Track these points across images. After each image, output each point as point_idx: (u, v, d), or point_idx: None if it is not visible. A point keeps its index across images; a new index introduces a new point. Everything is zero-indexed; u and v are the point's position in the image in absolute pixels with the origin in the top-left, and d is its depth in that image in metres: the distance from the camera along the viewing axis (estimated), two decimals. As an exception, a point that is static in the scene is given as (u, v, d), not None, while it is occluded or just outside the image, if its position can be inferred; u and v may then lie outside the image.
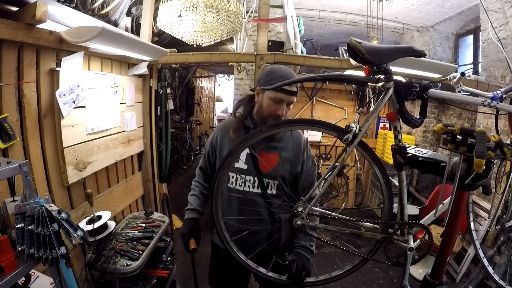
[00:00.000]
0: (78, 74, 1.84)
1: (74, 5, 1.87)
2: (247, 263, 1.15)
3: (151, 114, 2.89)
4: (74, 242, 1.17)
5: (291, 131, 1.21)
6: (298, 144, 1.35)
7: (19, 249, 1.06)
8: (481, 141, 0.84)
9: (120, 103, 2.35)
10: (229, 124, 1.39)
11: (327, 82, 4.41)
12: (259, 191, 1.30)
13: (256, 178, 1.30)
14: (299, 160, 1.34)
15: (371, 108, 1.09)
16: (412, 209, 3.07)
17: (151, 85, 2.86)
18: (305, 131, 4.07)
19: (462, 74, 1.17)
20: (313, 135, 4.38)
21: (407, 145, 1.06)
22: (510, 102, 1.49)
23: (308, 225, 1.09)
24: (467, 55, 4.17)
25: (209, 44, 2.07)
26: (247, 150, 1.28)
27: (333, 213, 1.12)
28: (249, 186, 1.31)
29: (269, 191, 1.30)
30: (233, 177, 1.33)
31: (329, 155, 4.35)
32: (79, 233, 1.14)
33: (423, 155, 1.05)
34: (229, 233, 1.16)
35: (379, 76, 0.98)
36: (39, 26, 1.49)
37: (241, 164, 1.31)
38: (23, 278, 1.21)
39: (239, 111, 1.41)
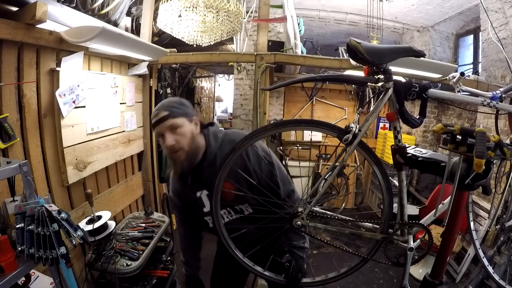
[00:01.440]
0: (78, 74, 1.84)
1: (74, 5, 1.87)
2: (244, 261, 1.15)
3: (151, 114, 2.89)
4: (74, 242, 1.17)
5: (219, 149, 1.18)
6: (242, 159, 1.19)
7: (19, 249, 1.06)
8: (481, 141, 0.84)
9: (120, 103, 2.35)
10: (172, 179, 1.37)
11: (327, 82, 4.41)
12: (238, 216, 1.28)
13: (227, 209, 1.27)
14: (249, 174, 1.19)
15: (371, 108, 1.09)
16: (412, 209, 3.06)
17: (151, 85, 2.86)
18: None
19: (462, 74, 1.18)
20: (314, 135, 4.38)
21: (407, 145, 1.06)
22: (510, 102, 1.49)
23: (308, 225, 1.09)
24: (467, 55, 4.17)
25: (209, 44, 2.07)
26: (206, 192, 1.24)
27: (333, 213, 1.12)
28: (227, 218, 1.29)
29: (247, 212, 1.27)
30: (210, 219, 1.28)
31: (329, 155, 4.35)
32: (79, 233, 1.14)
33: (423, 155, 1.05)
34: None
35: (378, 76, 0.98)
36: (39, 26, 1.49)
37: (208, 207, 1.26)
38: (23, 278, 1.21)
39: None
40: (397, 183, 1.07)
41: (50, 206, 1.10)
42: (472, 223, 1.60)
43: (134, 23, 2.87)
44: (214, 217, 1.12)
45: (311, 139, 4.39)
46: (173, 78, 4.89)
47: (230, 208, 1.27)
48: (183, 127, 1.14)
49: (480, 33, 3.42)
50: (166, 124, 1.13)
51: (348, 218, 1.11)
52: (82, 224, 1.72)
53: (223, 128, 1.35)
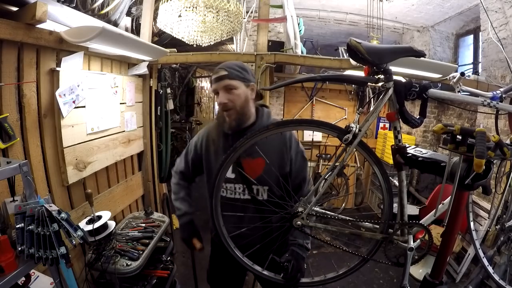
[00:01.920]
0: (78, 74, 1.84)
1: (74, 5, 1.87)
2: (243, 260, 1.15)
3: (151, 114, 2.89)
4: (74, 242, 1.17)
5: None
6: (283, 143, 1.28)
7: (19, 249, 1.06)
8: (481, 141, 0.84)
9: (120, 103, 2.35)
10: (211, 129, 1.37)
11: (327, 82, 4.41)
12: (249, 197, 1.29)
13: (244, 186, 1.28)
14: (285, 160, 1.28)
15: (371, 108, 1.09)
16: (412, 209, 3.06)
17: (151, 85, 2.86)
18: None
19: (462, 74, 1.18)
20: (314, 135, 4.38)
21: (407, 145, 1.06)
22: (510, 102, 1.49)
23: (308, 225, 1.09)
24: (467, 55, 4.17)
25: (209, 44, 2.07)
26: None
27: (333, 213, 1.12)
28: (239, 194, 1.30)
29: (259, 197, 1.28)
30: (222, 186, 1.29)
31: (329, 155, 4.35)
32: (79, 233, 1.14)
33: (423, 155, 1.05)
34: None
35: (378, 76, 0.98)
36: (39, 26, 1.49)
37: (228, 173, 1.26)
38: (23, 278, 1.21)
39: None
40: (397, 183, 1.07)
41: (50, 206, 1.10)
42: (472, 223, 1.60)
43: (134, 23, 2.87)
44: (214, 215, 1.12)
45: (312, 139, 4.39)
46: (173, 78, 4.89)
47: (247, 185, 1.27)
48: (238, 89, 1.20)
49: (480, 33, 3.42)
50: (223, 83, 1.19)
51: (348, 218, 1.11)
52: (82, 224, 1.72)
53: None
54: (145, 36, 2.62)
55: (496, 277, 1.46)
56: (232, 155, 1.05)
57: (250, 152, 1.20)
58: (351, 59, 2.29)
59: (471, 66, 3.89)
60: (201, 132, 1.43)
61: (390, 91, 0.97)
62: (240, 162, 1.25)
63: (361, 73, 1.07)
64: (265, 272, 1.17)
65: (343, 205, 4.47)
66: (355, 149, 1.01)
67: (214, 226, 1.14)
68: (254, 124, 1.27)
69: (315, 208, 1.10)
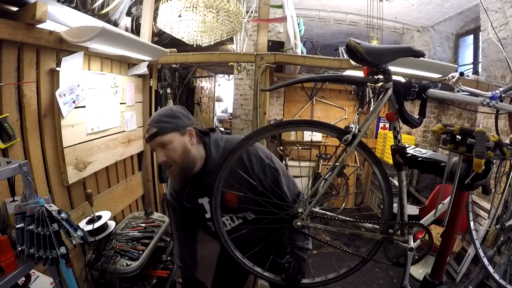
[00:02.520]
0: (78, 74, 1.84)
1: (74, 5, 1.87)
2: (244, 262, 1.15)
3: (151, 114, 2.89)
4: (74, 242, 1.17)
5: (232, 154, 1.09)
6: (244, 167, 1.18)
7: (19, 249, 1.07)
8: (481, 141, 0.84)
9: (120, 103, 2.35)
10: (171, 186, 1.37)
11: (327, 82, 4.41)
12: (240, 221, 1.29)
13: (230, 215, 1.27)
14: (253, 182, 1.17)
15: (371, 108, 1.09)
16: (412, 209, 3.06)
17: (151, 85, 2.86)
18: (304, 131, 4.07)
19: (461, 74, 1.18)
20: (314, 135, 4.38)
21: (407, 145, 1.06)
22: (510, 101, 1.49)
23: (308, 226, 1.09)
24: (467, 55, 4.17)
25: (209, 44, 2.07)
26: (207, 199, 1.22)
27: (333, 214, 1.12)
28: (230, 224, 1.29)
29: (249, 218, 1.27)
30: (212, 224, 1.23)
31: (329, 155, 4.35)
32: (79, 233, 1.14)
33: (423, 155, 1.05)
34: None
35: (378, 76, 0.98)
36: (39, 26, 1.49)
37: (207, 214, 1.26)
38: (23, 278, 1.21)
39: None
40: (397, 183, 1.07)
41: (50, 206, 1.10)
42: (472, 223, 1.60)
43: (134, 23, 2.87)
44: (215, 221, 1.12)
45: (311, 139, 4.39)
46: (173, 78, 4.89)
47: (233, 214, 1.27)
48: (173, 142, 1.13)
49: (480, 33, 3.41)
50: (156, 142, 1.13)
51: (348, 218, 1.11)
52: (82, 224, 1.72)
53: (223, 135, 1.31)
54: (145, 36, 2.62)
55: (497, 277, 1.46)
56: (232, 156, 1.04)
57: (223, 187, 1.13)
58: (350, 60, 2.29)
59: (471, 66, 3.89)
60: (167, 192, 1.43)
61: (390, 91, 0.97)
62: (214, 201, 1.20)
63: (360, 74, 1.07)
64: (266, 274, 1.17)
65: (343, 205, 4.47)
66: (354, 149, 1.01)
67: (215, 229, 1.14)
68: (206, 163, 1.21)
69: (315, 209, 1.10)
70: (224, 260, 1.48)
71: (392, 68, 0.98)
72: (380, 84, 0.98)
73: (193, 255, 1.48)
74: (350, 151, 1.00)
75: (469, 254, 2.72)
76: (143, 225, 2.25)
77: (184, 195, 1.27)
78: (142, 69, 2.56)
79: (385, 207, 1.07)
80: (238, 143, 1.03)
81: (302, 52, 3.11)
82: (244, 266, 1.15)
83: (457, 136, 0.92)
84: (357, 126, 0.98)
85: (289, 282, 1.15)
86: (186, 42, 2.03)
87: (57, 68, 1.70)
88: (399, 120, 0.99)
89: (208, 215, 1.25)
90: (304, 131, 4.33)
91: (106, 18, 2.30)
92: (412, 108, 4.23)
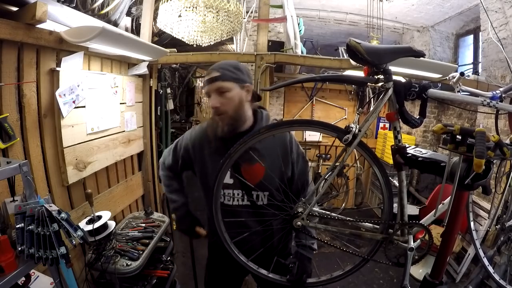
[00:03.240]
0: (78, 74, 1.84)
1: (74, 5, 1.87)
2: (248, 265, 1.15)
3: (151, 114, 2.89)
4: (74, 242, 1.17)
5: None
6: (284, 146, 1.23)
7: (19, 249, 1.06)
8: (481, 141, 0.84)
9: (120, 103, 2.35)
10: (205, 132, 1.28)
11: (327, 82, 4.41)
12: (248, 203, 1.25)
13: (243, 192, 1.24)
14: (287, 164, 1.23)
15: (371, 108, 1.09)
16: (412, 209, 3.06)
17: (151, 85, 2.86)
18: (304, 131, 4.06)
19: (461, 74, 1.18)
20: (313, 135, 4.38)
21: (407, 145, 1.06)
22: (510, 101, 1.49)
23: (308, 226, 1.09)
24: (467, 55, 4.17)
25: (209, 44, 2.07)
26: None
27: (333, 214, 1.12)
28: (237, 200, 1.25)
29: (259, 202, 1.24)
30: (223, 193, 1.24)
31: (329, 155, 4.35)
32: (79, 233, 1.14)
33: (423, 155, 1.05)
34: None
35: (378, 76, 0.98)
36: (39, 26, 1.49)
37: (226, 179, 1.19)
38: (23, 278, 1.21)
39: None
40: (397, 183, 1.07)
41: (50, 206, 1.10)
42: (472, 223, 1.60)
43: (134, 23, 2.87)
44: (215, 221, 1.11)
45: (317, 139, 4.38)
46: (173, 78, 4.89)
47: (246, 191, 1.23)
48: (231, 91, 1.12)
49: (480, 33, 3.41)
50: (215, 86, 1.12)
51: (348, 218, 1.11)
52: (82, 224, 1.72)
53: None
54: (145, 36, 2.62)
55: (497, 277, 1.46)
56: (227, 162, 1.04)
57: (249, 157, 1.14)
58: (350, 60, 2.29)
59: (471, 66, 3.89)
60: (193, 132, 1.35)
61: (390, 91, 0.97)
62: (238, 167, 1.20)
63: (361, 73, 1.07)
64: (271, 275, 1.17)
65: (343, 205, 4.47)
66: (354, 149, 1.01)
67: (216, 232, 1.13)
68: (252, 128, 1.21)
69: (315, 209, 1.10)
70: (219, 263, 1.45)
71: (392, 68, 0.98)
72: (380, 84, 0.98)
73: (183, 192, 1.43)
74: (350, 151, 1.00)
75: (469, 254, 2.72)
76: (143, 225, 2.25)
77: (212, 148, 1.23)
78: (142, 69, 2.56)
79: (385, 207, 1.07)
80: (238, 143, 1.03)
81: (302, 52, 3.11)
82: (249, 269, 1.15)
83: (457, 136, 0.92)
84: (357, 126, 0.98)
85: (295, 283, 1.14)
86: (186, 42, 2.03)
87: (57, 68, 1.70)
88: (399, 120, 0.99)
89: (225, 180, 1.18)
90: (304, 131, 4.34)
91: (106, 18, 2.30)
92: (412, 108, 4.23)
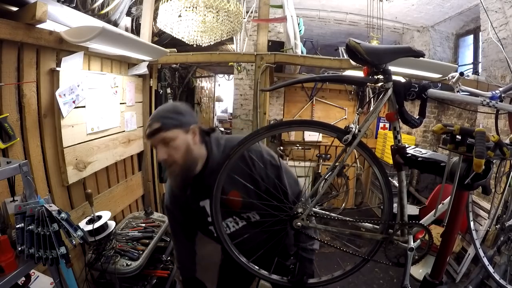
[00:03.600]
0: (78, 74, 1.84)
1: (74, 5, 1.87)
2: (249, 266, 1.15)
3: (151, 114, 2.87)
4: (74, 242, 1.17)
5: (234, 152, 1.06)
6: (245, 165, 1.15)
7: (19, 249, 1.07)
8: (481, 141, 0.84)
9: (120, 103, 2.35)
10: (171, 187, 1.31)
11: (327, 82, 4.41)
12: (244, 223, 1.26)
13: (234, 218, 1.25)
14: (256, 181, 1.15)
15: (371, 109, 1.09)
16: (412, 209, 3.06)
17: (151, 85, 2.86)
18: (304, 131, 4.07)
19: (461, 74, 1.18)
20: (313, 135, 4.38)
21: (407, 145, 1.06)
22: (510, 101, 1.49)
23: (308, 226, 1.09)
24: (467, 55, 4.17)
25: (209, 44, 2.07)
26: (208, 202, 1.16)
27: (333, 214, 1.12)
28: (234, 226, 1.26)
29: (254, 219, 1.25)
30: (213, 230, 1.20)
31: (329, 155, 4.35)
32: (79, 233, 1.14)
33: (423, 155, 1.05)
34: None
35: (378, 76, 0.98)
36: (39, 26, 1.49)
37: (209, 218, 1.19)
38: (23, 278, 1.21)
39: None
40: (397, 183, 1.07)
41: (50, 206, 1.11)
42: (472, 223, 1.60)
43: (134, 23, 2.87)
44: (216, 226, 1.12)
45: (305, 139, 4.39)
46: (173, 78, 4.89)
47: (237, 216, 1.24)
48: (176, 139, 1.07)
49: (480, 33, 3.41)
50: (158, 138, 1.06)
51: (348, 218, 1.11)
52: (82, 224, 1.72)
53: (223, 134, 1.31)
54: (145, 36, 2.62)
55: (497, 277, 1.46)
56: (227, 162, 1.03)
57: (224, 188, 1.11)
58: (350, 60, 2.29)
59: (471, 66, 3.89)
60: (165, 195, 1.38)
61: (390, 91, 0.97)
62: (220, 200, 1.17)
63: (360, 74, 1.07)
64: (273, 276, 1.17)
65: (343, 205, 4.47)
66: (354, 149, 1.01)
67: (217, 233, 1.14)
68: (208, 161, 1.17)
69: (315, 209, 1.10)
70: (227, 267, 1.46)
71: (392, 68, 0.98)
72: (380, 84, 0.98)
73: (192, 257, 1.46)
74: (350, 151, 1.00)
75: (469, 254, 2.72)
76: (143, 225, 2.25)
77: (188, 198, 1.23)
78: (142, 69, 2.56)
79: (385, 207, 1.07)
80: (237, 144, 1.03)
81: (302, 52, 3.11)
82: (250, 270, 1.15)
83: (457, 136, 0.92)
84: (357, 126, 0.98)
85: (296, 284, 1.14)
86: (186, 42, 2.03)
87: (57, 68, 1.70)
88: (399, 120, 0.99)
89: (210, 219, 1.17)
90: (304, 131, 4.34)
91: (106, 18, 2.30)
92: (412, 108, 4.23)
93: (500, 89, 1.15)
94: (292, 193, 1.18)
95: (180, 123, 1.09)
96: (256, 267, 1.16)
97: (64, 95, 1.72)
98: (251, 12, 3.56)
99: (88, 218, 1.78)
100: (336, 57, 2.86)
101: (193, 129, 1.12)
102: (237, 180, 1.12)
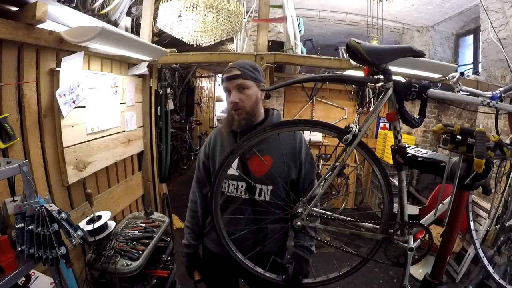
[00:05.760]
0: (78, 74, 1.84)
1: (74, 5, 1.87)
2: (245, 263, 1.15)
3: (151, 114, 2.90)
4: (74, 242, 1.17)
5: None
6: (293, 145, 1.27)
7: (19, 249, 1.06)
8: (481, 141, 0.84)
9: (120, 103, 2.35)
10: (221, 129, 1.35)
11: (327, 82, 4.41)
12: (248, 197, 1.26)
13: (245, 183, 1.25)
14: (295, 162, 1.27)
15: (371, 108, 1.09)
16: (412, 209, 3.07)
17: (151, 85, 2.86)
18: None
19: (461, 74, 1.18)
20: (314, 135, 4.38)
21: (407, 145, 1.06)
22: (510, 101, 1.49)
23: (308, 226, 1.09)
24: (467, 55, 4.17)
25: (209, 44, 2.07)
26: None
27: (333, 214, 1.12)
28: (241, 192, 1.26)
29: (261, 198, 1.25)
30: (225, 182, 1.27)
31: (329, 155, 4.35)
32: (79, 233, 1.14)
33: (423, 155, 1.05)
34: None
35: (378, 76, 0.98)
36: (39, 26, 1.49)
37: (233, 170, 1.22)
38: (23, 278, 1.22)
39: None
40: (397, 183, 1.07)
41: (50, 206, 1.10)
42: (472, 223, 1.60)
43: (134, 23, 2.87)
44: (215, 219, 1.12)
45: (310, 139, 4.39)
46: (173, 78, 4.89)
47: (248, 184, 1.24)
48: (250, 89, 1.21)
49: (480, 33, 3.42)
50: (235, 82, 1.19)
51: (348, 218, 1.11)
52: (82, 224, 1.72)
53: None
54: (145, 36, 2.62)
55: (496, 277, 1.46)
56: (230, 158, 1.04)
57: (259, 149, 1.20)
58: (350, 60, 2.29)
59: (471, 66, 3.89)
60: (211, 133, 1.42)
61: (390, 91, 0.97)
62: (245, 160, 1.24)
63: (361, 73, 1.07)
64: (267, 274, 1.17)
65: (343, 205, 4.47)
66: (354, 149, 1.01)
67: (215, 228, 1.14)
68: (262, 123, 1.28)
69: (315, 209, 1.10)
70: (213, 264, 1.45)
71: (392, 68, 0.98)
72: (380, 84, 0.98)
73: (202, 220, 1.43)
74: (350, 151, 1.00)
75: (469, 254, 2.72)
76: (143, 225, 2.25)
77: (230, 143, 1.28)
78: (142, 69, 2.56)
79: (385, 207, 1.07)
80: (236, 144, 1.03)
81: (302, 52, 3.11)
82: (245, 266, 1.15)
83: (458, 136, 0.92)
84: (357, 126, 0.98)
85: (290, 283, 1.15)
86: (186, 42, 2.03)
87: (57, 68, 1.70)
88: (399, 120, 0.99)
89: (233, 172, 1.21)
90: (304, 131, 4.33)
91: (106, 18, 2.30)
92: (412, 108, 4.23)
93: (500, 89, 1.16)
94: (310, 193, 1.17)
95: (256, 77, 1.23)
96: (251, 264, 1.16)
97: (64, 95, 1.72)
98: (251, 12, 3.56)
99: (88, 218, 1.78)
100: (336, 57, 2.87)
101: (263, 86, 1.25)
102: (279, 149, 1.20)
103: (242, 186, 1.26)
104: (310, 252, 1.28)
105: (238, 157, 1.20)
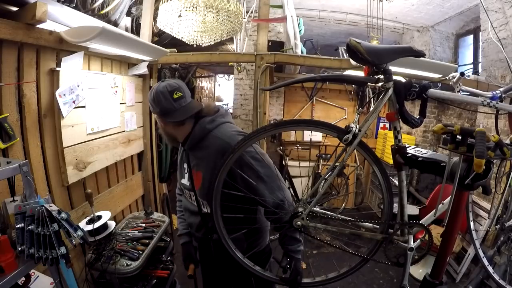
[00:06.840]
0: (78, 74, 1.84)
1: (74, 5, 1.87)
2: (244, 262, 1.15)
3: (151, 114, 2.89)
4: (74, 242, 1.17)
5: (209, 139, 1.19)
6: (221, 157, 1.06)
7: (19, 249, 1.06)
8: (481, 141, 0.84)
9: (120, 103, 2.35)
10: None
11: (327, 82, 4.41)
12: (196, 208, 1.30)
13: (194, 195, 1.29)
14: (230, 175, 1.08)
15: (371, 108, 1.09)
16: (412, 209, 3.06)
17: (151, 85, 2.86)
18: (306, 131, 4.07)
19: (462, 74, 1.18)
20: (314, 135, 4.38)
21: (407, 145, 1.06)
22: (510, 102, 1.49)
23: (308, 226, 1.09)
24: (467, 55, 4.17)
25: (209, 44, 2.07)
26: (186, 165, 1.33)
27: (333, 214, 1.12)
28: (192, 201, 1.33)
29: (204, 210, 1.27)
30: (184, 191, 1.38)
31: (329, 155, 4.35)
32: (79, 233, 1.14)
33: (423, 155, 1.05)
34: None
35: (378, 76, 0.98)
36: (39, 26, 1.49)
37: (185, 180, 1.33)
38: (23, 278, 1.22)
39: None
40: (397, 183, 1.07)
41: (50, 206, 1.10)
42: (472, 223, 1.60)
43: (134, 23, 2.87)
44: (215, 219, 1.12)
45: (310, 139, 4.39)
46: (173, 78, 4.88)
47: (195, 195, 1.29)
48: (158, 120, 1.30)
49: (480, 33, 3.41)
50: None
51: (348, 218, 1.11)
52: (82, 224, 1.72)
53: (226, 122, 1.26)
54: (145, 36, 2.62)
55: (496, 277, 1.46)
56: (230, 158, 1.04)
57: (195, 164, 1.25)
58: (351, 59, 2.29)
59: (471, 66, 3.89)
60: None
61: (390, 91, 0.97)
62: (191, 171, 1.28)
63: (361, 73, 1.07)
64: (267, 273, 1.17)
65: (343, 205, 4.47)
66: (355, 149, 1.01)
67: (215, 227, 1.14)
68: (188, 136, 1.24)
69: (315, 208, 1.10)
70: (208, 270, 1.49)
71: (392, 68, 0.98)
72: (380, 84, 0.98)
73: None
74: (350, 151, 1.00)
75: (469, 254, 2.72)
76: (143, 225, 2.24)
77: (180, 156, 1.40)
78: (142, 69, 2.56)
79: (385, 207, 1.07)
80: (237, 143, 1.03)
81: (302, 52, 3.11)
82: (245, 265, 1.15)
83: (458, 136, 0.92)
84: (357, 126, 0.98)
85: (290, 283, 1.15)
86: (186, 42, 2.03)
87: (57, 68, 1.70)
88: (400, 120, 0.99)
89: (183, 180, 1.34)
90: (304, 131, 4.34)
91: (106, 18, 2.30)
92: (412, 108, 4.23)
93: (501, 89, 1.16)
94: (273, 198, 1.12)
95: (154, 110, 1.25)
96: (251, 263, 1.16)
97: (64, 95, 1.72)
98: (251, 12, 3.56)
99: (88, 218, 1.78)
100: (336, 57, 2.86)
101: (156, 115, 1.32)
102: (212, 166, 1.13)
103: (191, 197, 1.32)
104: (299, 252, 1.24)
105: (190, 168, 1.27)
